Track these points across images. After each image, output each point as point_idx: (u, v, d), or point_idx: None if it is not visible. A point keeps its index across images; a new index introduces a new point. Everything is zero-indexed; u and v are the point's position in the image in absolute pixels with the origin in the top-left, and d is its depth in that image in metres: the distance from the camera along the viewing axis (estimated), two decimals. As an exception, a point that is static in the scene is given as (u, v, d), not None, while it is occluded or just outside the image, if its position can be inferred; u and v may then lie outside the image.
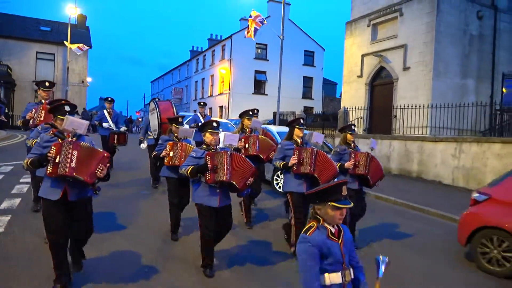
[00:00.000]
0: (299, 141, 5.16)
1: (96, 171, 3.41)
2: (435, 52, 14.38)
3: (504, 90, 13.06)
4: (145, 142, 8.63)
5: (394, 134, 14.31)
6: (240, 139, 5.99)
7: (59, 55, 29.29)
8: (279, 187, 8.64)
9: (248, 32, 16.39)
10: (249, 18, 16.40)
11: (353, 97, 17.89)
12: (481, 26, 15.73)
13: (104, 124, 9.21)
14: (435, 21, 14.37)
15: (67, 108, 3.62)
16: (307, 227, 2.38)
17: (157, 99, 9.02)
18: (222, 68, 32.86)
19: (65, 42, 24.58)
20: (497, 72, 15.83)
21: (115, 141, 8.99)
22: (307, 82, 34.65)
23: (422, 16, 14.88)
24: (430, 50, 14.50)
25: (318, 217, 2.37)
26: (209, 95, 35.93)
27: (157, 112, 7.97)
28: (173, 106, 8.46)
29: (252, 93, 32.29)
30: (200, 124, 9.23)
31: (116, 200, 6.93)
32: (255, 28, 15.89)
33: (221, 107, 33.51)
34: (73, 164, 3.32)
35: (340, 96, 22.85)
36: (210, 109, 33.45)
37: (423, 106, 13.11)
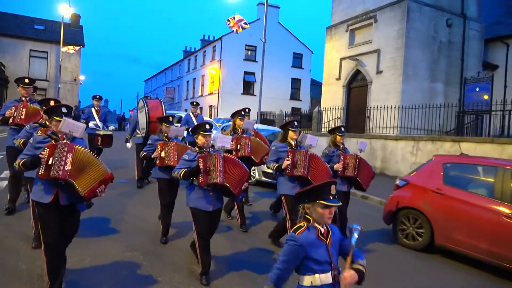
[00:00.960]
0: (293, 143, 5.14)
1: (98, 190, 3.38)
2: (404, 57, 15.32)
3: (485, 96, 13.80)
4: (130, 141, 8.54)
5: (361, 133, 15.22)
6: (231, 140, 5.85)
7: (52, 53, 29.94)
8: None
9: (233, 27, 17.31)
10: (231, 18, 17.35)
11: (332, 98, 18.80)
12: (450, 33, 16.69)
13: (90, 124, 8.89)
14: (405, 28, 15.32)
15: (64, 109, 3.53)
16: (296, 226, 2.41)
17: (149, 97, 8.89)
18: (212, 68, 33.70)
19: (61, 50, 25.38)
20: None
21: (99, 143, 8.75)
22: (295, 83, 35.53)
23: (394, 23, 15.83)
24: (401, 55, 15.44)
25: (308, 217, 2.40)
26: (200, 94, 36.74)
27: (145, 110, 7.93)
28: (163, 104, 8.39)
29: (241, 94, 33.14)
30: (190, 125, 9.09)
31: (104, 201, 6.64)
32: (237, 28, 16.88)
33: (210, 106, 34.33)
34: (67, 167, 3.22)
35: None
36: (201, 108, 34.25)
37: (393, 107, 14.04)
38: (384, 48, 16.22)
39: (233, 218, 6.42)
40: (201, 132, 4.21)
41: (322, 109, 16.80)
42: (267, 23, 19.95)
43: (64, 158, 3.22)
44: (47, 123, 4.43)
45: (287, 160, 4.92)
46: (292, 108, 33.60)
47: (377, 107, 14.62)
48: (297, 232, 2.33)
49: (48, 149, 3.24)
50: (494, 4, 20.56)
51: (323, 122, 17.47)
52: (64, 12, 26.93)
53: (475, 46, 17.56)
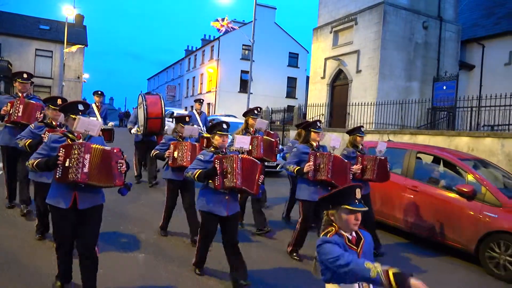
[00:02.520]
0: (315, 145, 4.91)
1: (119, 170, 3.16)
2: (381, 58, 16.40)
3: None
4: (134, 127, 8.51)
5: (342, 128, 16.34)
6: None
7: (57, 52, 31.33)
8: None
9: (221, 26, 18.49)
10: (224, 18, 18.59)
11: (317, 96, 19.91)
12: (427, 35, 17.71)
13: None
14: (382, 30, 16.39)
15: (80, 107, 3.33)
16: (326, 231, 2.29)
17: (151, 93, 8.79)
18: (210, 67, 34.97)
19: (65, 51, 26.77)
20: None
21: None
22: (291, 82, 36.69)
23: (372, 26, 16.91)
24: (377, 56, 16.52)
25: (333, 224, 2.29)
26: (199, 92, 38.06)
27: (143, 106, 7.65)
28: (162, 99, 8.07)
29: (238, 92, 34.35)
30: (191, 120, 9.68)
31: (111, 206, 5.98)
32: (225, 30, 18.10)
33: (208, 104, 35.59)
34: (85, 169, 2.98)
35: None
36: (200, 106, 35.51)
37: (368, 103, 15.13)
38: (363, 49, 17.30)
39: (243, 227, 5.98)
40: (217, 132, 3.98)
41: (307, 105, 17.93)
42: (264, 23, 21.13)
43: (81, 160, 2.99)
44: (53, 122, 4.55)
45: (309, 165, 4.66)
46: (288, 106, 34.69)
47: (356, 104, 15.72)
48: (328, 235, 2.25)
49: (63, 150, 3.05)
50: (474, 8, 21.58)
51: (310, 118, 18.59)
52: (68, 13, 28.24)
53: (452, 47, 18.53)
